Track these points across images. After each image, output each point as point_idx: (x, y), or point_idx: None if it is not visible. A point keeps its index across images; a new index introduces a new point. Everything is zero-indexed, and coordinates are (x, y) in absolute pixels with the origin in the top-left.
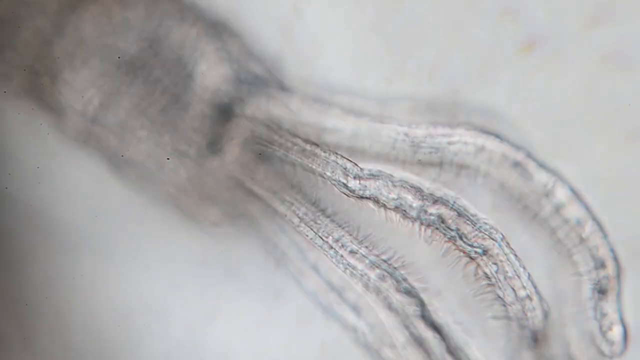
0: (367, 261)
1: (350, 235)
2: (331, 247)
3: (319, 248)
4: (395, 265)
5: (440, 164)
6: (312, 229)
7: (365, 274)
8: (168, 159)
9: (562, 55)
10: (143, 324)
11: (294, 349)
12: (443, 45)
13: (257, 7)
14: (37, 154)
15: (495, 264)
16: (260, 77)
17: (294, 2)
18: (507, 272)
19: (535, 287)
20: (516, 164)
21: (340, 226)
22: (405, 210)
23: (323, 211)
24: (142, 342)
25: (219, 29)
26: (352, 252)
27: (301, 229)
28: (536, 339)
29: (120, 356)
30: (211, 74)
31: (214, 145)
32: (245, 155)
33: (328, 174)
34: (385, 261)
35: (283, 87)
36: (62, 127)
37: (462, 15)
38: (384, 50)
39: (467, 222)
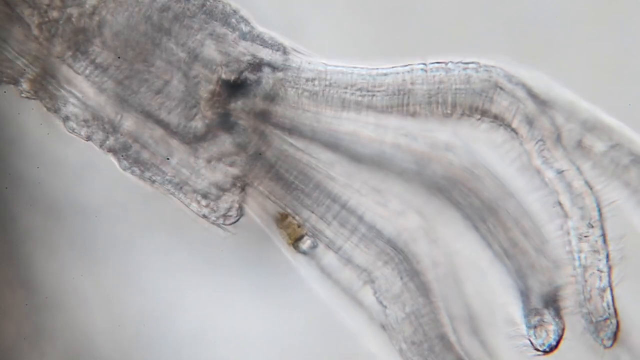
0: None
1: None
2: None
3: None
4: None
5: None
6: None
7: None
8: (168, 159)
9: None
10: (144, 324)
11: (306, 338)
12: (445, 52)
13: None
14: (36, 154)
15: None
16: (267, 62)
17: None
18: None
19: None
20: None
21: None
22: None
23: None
24: (142, 343)
25: (226, 15)
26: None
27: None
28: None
29: (120, 357)
30: (217, 54)
31: (227, 122)
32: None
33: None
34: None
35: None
36: (65, 124)
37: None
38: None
39: None
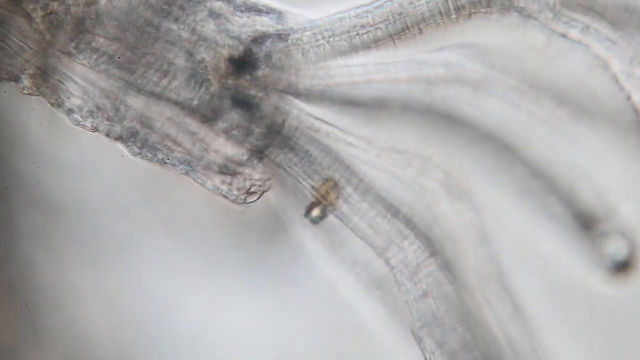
0: None
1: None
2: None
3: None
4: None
5: None
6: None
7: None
8: (168, 159)
9: None
10: (144, 324)
11: (306, 339)
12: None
13: None
14: (36, 154)
15: None
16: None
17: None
18: None
19: None
20: None
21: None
22: None
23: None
24: (142, 343)
25: None
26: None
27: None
28: None
29: (120, 357)
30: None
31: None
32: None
33: None
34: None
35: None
36: (69, 117)
37: None
38: None
39: None
